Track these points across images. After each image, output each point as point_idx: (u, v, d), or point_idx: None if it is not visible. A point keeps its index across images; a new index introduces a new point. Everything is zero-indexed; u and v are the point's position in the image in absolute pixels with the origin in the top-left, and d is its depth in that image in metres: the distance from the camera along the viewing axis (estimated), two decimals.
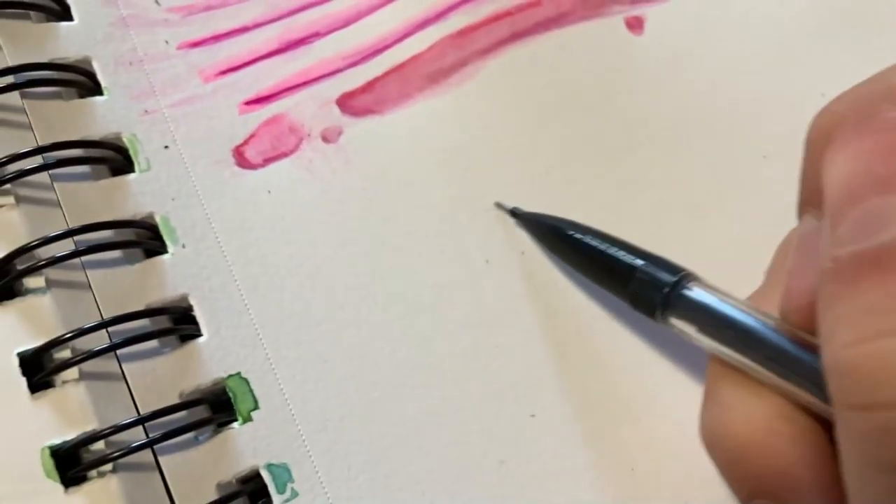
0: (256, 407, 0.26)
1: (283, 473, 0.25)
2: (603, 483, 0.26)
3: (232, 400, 0.26)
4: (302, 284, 0.27)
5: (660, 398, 0.27)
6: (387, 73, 0.30)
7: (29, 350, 0.25)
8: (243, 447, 0.25)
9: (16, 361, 0.25)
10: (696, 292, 0.23)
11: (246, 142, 0.29)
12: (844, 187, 0.18)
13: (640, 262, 0.25)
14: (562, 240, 0.27)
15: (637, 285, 0.25)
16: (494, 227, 0.29)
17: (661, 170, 0.30)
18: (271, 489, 0.25)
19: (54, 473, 0.24)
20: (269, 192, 0.28)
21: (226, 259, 0.27)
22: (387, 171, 0.29)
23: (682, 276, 0.24)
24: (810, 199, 0.21)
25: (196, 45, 0.30)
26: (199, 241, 0.27)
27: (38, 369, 0.25)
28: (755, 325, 0.21)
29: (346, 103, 0.30)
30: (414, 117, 0.30)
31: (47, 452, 0.24)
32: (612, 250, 0.26)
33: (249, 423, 0.25)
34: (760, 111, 0.30)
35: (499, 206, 0.29)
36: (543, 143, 0.30)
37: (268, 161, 0.29)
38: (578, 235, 0.27)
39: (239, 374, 0.26)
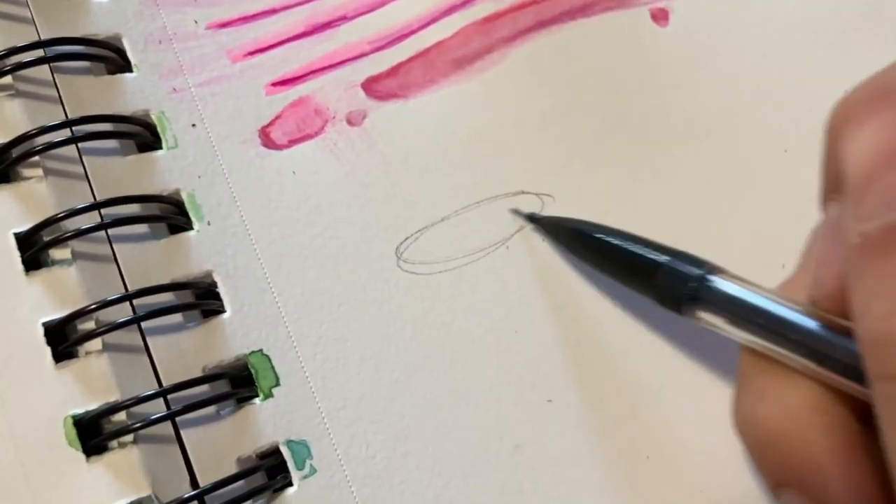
0: (277, 384, 0.26)
1: (302, 450, 0.25)
2: (618, 470, 0.26)
3: (253, 376, 0.26)
4: (324, 265, 0.27)
5: (676, 386, 0.27)
6: (412, 58, 0.30)
7: (54, 320, 0.25)
8: (264, 423, 0.25)
9: (41, 331, 0.25)
10: (723, 284, 0.23)
11: (272, 122, 0.29)
12: (866, 163, 0.18)
13: (664, 258, 0.25)
14: (583, 242, 0.27)
15: (663, 281, 0.25)
16: (516, 215, 0.29)
17: (682, 161, 0.30)
18: (290, 465, 0.25)
19: (76, 442, 0.24)
20: (294, 172, 0.28)
21: (250, 237, 0.27)
22: (410, 155, 0.29)
23: (708, 269, 0.24)
24: (832, 187, 0.21)
25: (224, 25, 0.30)
26: (224, 219, 0.27)
27: (62, 339, 0.25)
28: (785, 312, 0.21)
29: (371, 87, 0.30)
30: (438, 102, 0.30)
31: (70, 421, 0.24)
32: (636, 248, 0.26)
33: (270, 400, 0.26)
34: (783, 105, 0.31)
35: (515, 212, 0.29)
36: (567, 131, 0.30)
37: (293, 142, 0.29)
38: (601, 236, 0.27)
39: (261, 350, 0.26)
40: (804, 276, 0.22)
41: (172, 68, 0.29)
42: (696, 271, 0.24)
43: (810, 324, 0.21)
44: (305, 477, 0.25)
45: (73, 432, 0.24)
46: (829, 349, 0.20)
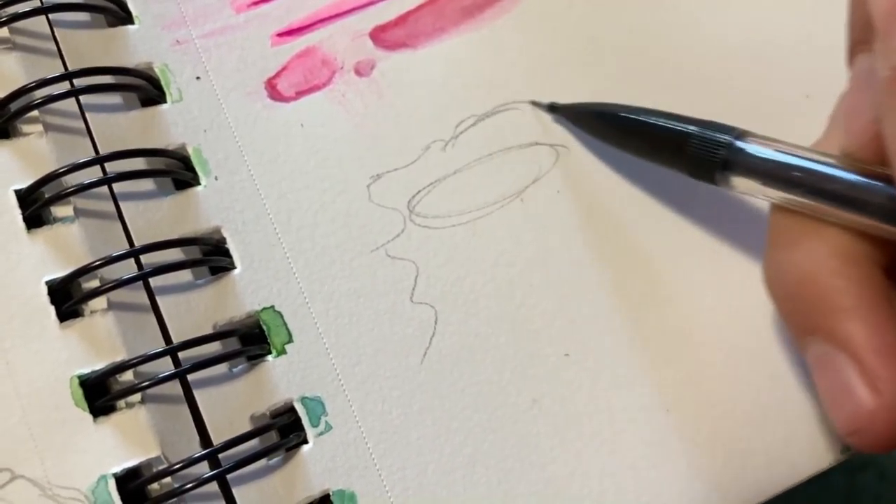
0: (290, 340, 0.25)
1: (316, 407, 0.25)
2: (637, 423, 0.26)
3: (266, 333, 0.25)
4: (335, 220, 0.27)
5: (695, 338, 0.26)
6: (421, 7, 0.29)
7: (57, 279, 0.25)
8: (277, 380, 0.25)
9: (44, 290, 0.24)
10: (754, 146, 0.23)
11: (278, 74, 0.28)
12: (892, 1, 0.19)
13: (692, 128, 0.25)
14: (607, 123, 0.27)
15: (693, 151, 0.25)
16: (530, 166, 0.28)
17: (701, 108, 0.29)
18: (305, 422, 0.24)
19: (83, 402, 0.24)
20: (302, 125, 0.28)
21: (258, 192, 0.27)
22: (420, 106, 0.28)
23: (737, 134, 0.24)
24: (861, 39, 0.22)
25: None
26: (231, 174, 0.27)
27: (67, 298, 0.25)
28: (820, 166, 0.22)
29: (379, 37, 0.29)
30: (448, 52, 0.29)
31: (76, 381, 0.24)
32: (663, 121, 0.26)
33: (283, 356, 0.25)
34: (805, 49, 0.30)
35: (535, 104, 0.29)
36: (578, 79, 0.29)
37: (300, 94, 0.28)
38: (626, 114, 0.27)
39: (273, 307, 0.25)
40: (834, 135, 0.23)
41: (175, 20, 0.28)
42: (725, 137, 0.24)
43: (846, 174, 0.21)
44: (321, 434, 0.24)
45: (80, 392, 0.24)
46: (868, 196, 0.20)
